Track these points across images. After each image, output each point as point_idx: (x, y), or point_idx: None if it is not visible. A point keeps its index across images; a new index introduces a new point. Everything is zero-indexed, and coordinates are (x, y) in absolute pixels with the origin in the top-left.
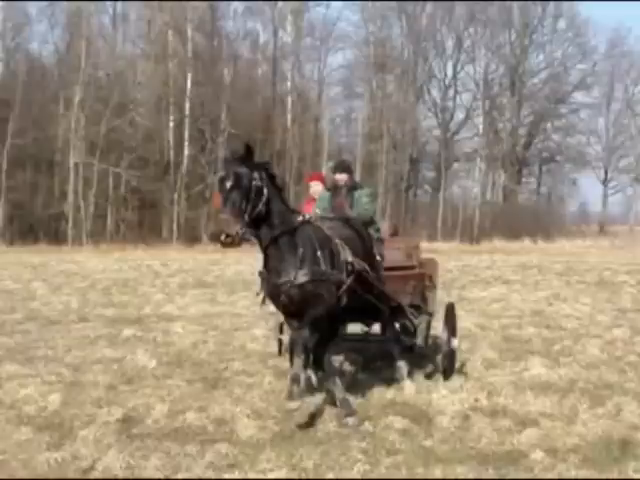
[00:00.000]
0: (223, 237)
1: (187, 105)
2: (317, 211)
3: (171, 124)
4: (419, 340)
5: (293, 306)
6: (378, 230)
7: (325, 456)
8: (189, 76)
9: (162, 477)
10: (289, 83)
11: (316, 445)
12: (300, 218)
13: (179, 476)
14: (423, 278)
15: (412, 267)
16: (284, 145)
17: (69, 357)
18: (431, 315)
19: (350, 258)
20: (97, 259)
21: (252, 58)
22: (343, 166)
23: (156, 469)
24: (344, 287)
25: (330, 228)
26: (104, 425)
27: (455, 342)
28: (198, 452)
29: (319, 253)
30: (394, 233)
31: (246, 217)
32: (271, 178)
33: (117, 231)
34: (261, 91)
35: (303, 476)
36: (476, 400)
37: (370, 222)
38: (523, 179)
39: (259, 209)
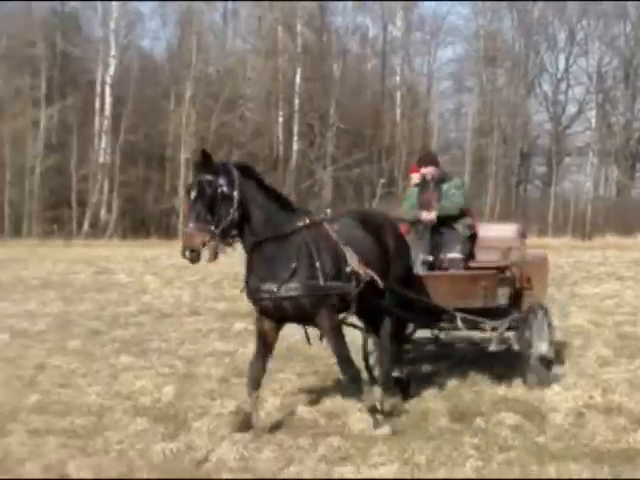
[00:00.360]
0: (188, 253)
1: (296, 100)
2: (405, 208)
3: (280, 119)
4: (493, 346)
5: (277, 315)
6: (469, 226)
7: (437, 451)
8: (298, 71)
9: (275, 469)
10: (398, 77)
11: (428, 440)
12: (300, 222)
13: (292, 469)
14: (504, 278)
15: (504, 267)
16: (393, 140)
17: (182, 350)
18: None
19: (356, 266)
20: None
21: (361, 53)
22: (429, 158)
23: (269, 461)
24: (350, 297)
25: (338, 231)
26: (217, 417)
27: (542, 348)
28: (310, 445)
29: (318, 264)
30: (522, 236)
31: (213, 228)
32: (253, 180)
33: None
34: (370, 85)
35: (415, 471)
36: (590, 397)
37: (459, 216)
38: (637, 174)
39: (230, 217)
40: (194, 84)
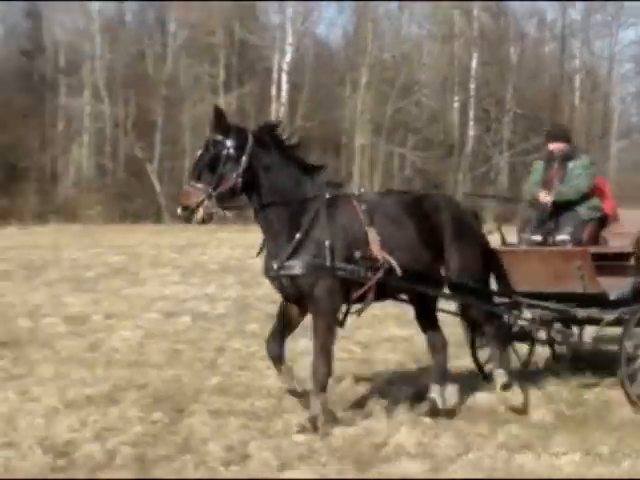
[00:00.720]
0: (179, 210)
1: (472, 85)
2: (529, 184)
3: (456, 104)
4: (586, 338)
5: (285, 294)
6: (595, 208)
7: (620, 442)
8: (475, 56)
9: (453, 455)
10: (577, 61)
11: (610, 431)
12: (319, 195)
13: (470, 455)
14: (627, 267)
15: (629, 254)
16: (572, 124)
17: (359, 335)
18: None
19: (375, 251)
20: None
21: (539, 36)
22: (558, 133)
23: (447, 447)
24: (369, 284)
25: (367, 210)
26: (395, 402)
27: None
28: (489, 432)
29: (327, 242)
30: None
31: (210, 189)
32: (272, 147)
33: None
34: (548, 69)
35: (598, 461)
36: None
37: (580, 199)
38: None
39: (232, 182)
40: (370, 70)
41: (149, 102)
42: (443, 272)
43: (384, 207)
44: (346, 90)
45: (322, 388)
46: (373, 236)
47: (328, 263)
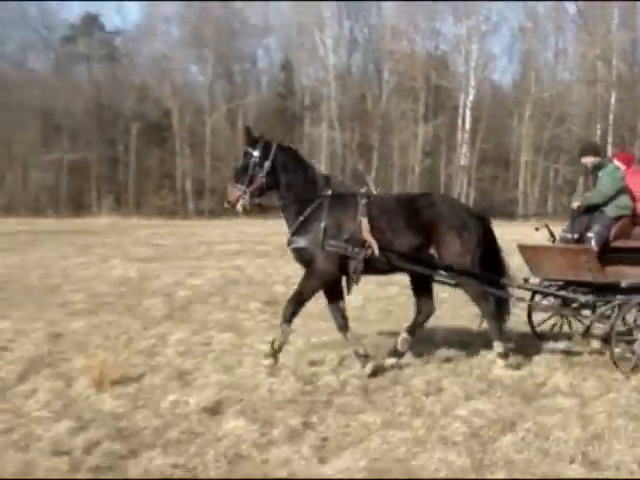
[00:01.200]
0: (225, 204)
1: (610, 117)
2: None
3: (598, 132)
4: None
5: (297, 261)
6: (624, 207)
7: None
8: (613, 95)
9: (596, 394)
10: None
11: None
12: (324, 192)
13: (610, 395)
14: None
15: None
16: None
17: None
18: None
19: (364, 235)
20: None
21: None
22: (588, 148)
23: (592, 388)
24: (357, 261)
25: (366, 204)
26: (552, 352)
27: None
28: (624, 379)
29: (322, 224)
30: None
31: (243, 187)
32: (292, 157)
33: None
34: None
35: None
36: None
37: (608, 200)
38: None
39: (259, 182)
40: (532, 106)
41: (368, 130)
42: (435, 256)
43: (382, 202)
44: (514, 121)
45: (285, 320)
46: (364, 224)
47: (320, 239)
